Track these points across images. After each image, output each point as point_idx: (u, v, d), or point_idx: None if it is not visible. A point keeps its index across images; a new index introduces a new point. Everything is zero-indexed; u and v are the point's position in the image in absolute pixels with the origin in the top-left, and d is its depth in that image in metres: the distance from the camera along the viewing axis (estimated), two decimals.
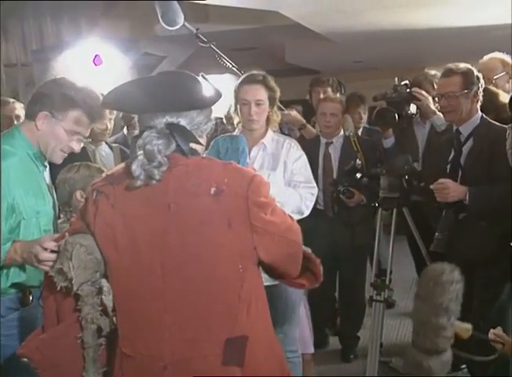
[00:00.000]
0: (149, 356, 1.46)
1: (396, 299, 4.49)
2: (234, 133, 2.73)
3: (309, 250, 1.64)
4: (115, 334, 1.55)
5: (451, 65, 2.83)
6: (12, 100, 3.38)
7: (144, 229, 1.46)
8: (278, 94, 2.78)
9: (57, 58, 4.56)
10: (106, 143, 3.12)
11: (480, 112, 2.81)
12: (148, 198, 1.47)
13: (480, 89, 2.79)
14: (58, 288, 1.48)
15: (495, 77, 3.26)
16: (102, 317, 1.51)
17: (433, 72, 3.78)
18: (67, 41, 5.17)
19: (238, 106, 2.74)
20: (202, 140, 1.57)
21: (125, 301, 1.49)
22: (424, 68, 4.44)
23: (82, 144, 2.13)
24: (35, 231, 2.01)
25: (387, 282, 3.37)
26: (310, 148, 3.87)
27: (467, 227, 2.81)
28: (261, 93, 2.70)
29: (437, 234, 2.88)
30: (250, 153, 2.72)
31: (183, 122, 1.49)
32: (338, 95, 4.09)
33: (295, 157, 2.76)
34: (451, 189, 2.70)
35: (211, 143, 2.70)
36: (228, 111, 3.73)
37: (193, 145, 1.52)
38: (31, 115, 2.03)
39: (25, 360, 1.52)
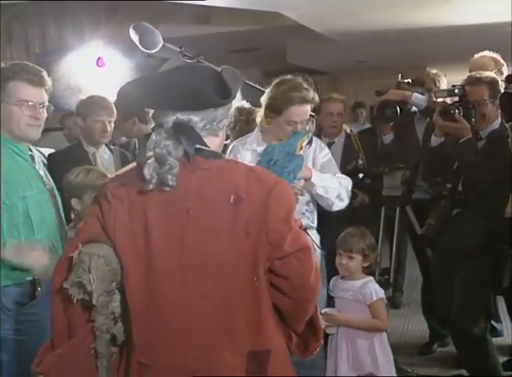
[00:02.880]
0: (172, 365, 1.42)
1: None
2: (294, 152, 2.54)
3: (322, 325, 1.58)
4: (124, 343, 1.51)
5: (476, 74, 2.90)
6: None
7: (161, 234, 1.42)
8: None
9: (60, 61, 4.58)
10: (106, 145, 3.12)
11: (500, 118, 2.88)
12: (167, 201, 1.43)
13: None
14: (75, 301, 1.43)
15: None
16: (116, 326, 1.47)
17: (434, 71, 3.80)
18: (70, 44, 5.19)
19: (279, 119, 2.59)
20: (219, 139, 1.52)
21: (143, 311, 1.44)
22: (425, 67, 4.44)
23: (45, 109, 2.19)
24: (21, 218, 2.06)
25: (391, 280, 3.39)
26: None
27: (459, 219, 2.87)
28: (308, 113, 2.61)
29: (429, 219, 2.94)
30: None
31: (195, 118, 1.44)
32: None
33: (323, 154, 2.74)
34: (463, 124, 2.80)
35: (268, 146, 2.59)
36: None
37: (210, 141, 1.47)
38: None
39: (40, 376, 1.48)
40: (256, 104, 3.32)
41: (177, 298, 1.42)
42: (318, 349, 1.61)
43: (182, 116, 1.43)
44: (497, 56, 3.43)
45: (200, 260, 1.42)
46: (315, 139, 2.78)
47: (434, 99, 3.35)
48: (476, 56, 3.44)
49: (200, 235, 1.42)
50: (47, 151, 2.80)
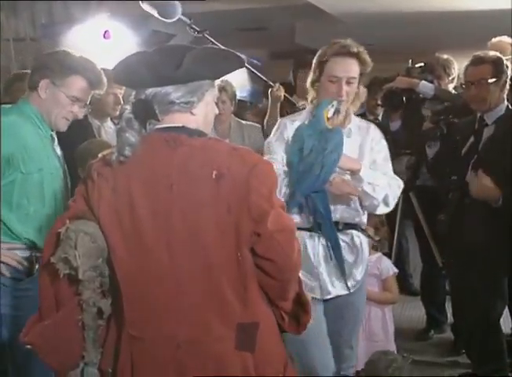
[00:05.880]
0: (162, 337, 1.46)
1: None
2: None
3: (309, 297, 1.62)
4: (112, 316, 1.55)
5: (480, 53, 2.82)
6: None
7: (147, 211, 1.45)
8: (369, 70, 2.31)
9: (66, 33, 4.54)
10: (111, 120, 3.09)
11: (506, 102, 2.82)
12: (150, 178, 1.46)
13: (509, 78, 2.80)
14: (61, 276, 1.48)
15: (505, 58, 3.27)
16: (103, 300, 1.52)
17: (445, 56, 3.75)
18: (77, 17, 5.13)
19: (321, 80, 2.27)
20: (195, 117, 1.52)
21: (132, 285, 1.48)
22: (435, 52, 4.38)
23: (84, 111, 2.19)
24: (35, 189, 2.06)
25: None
26: None
27: (471, 213, 2.82)
28: (355, 70, 2.24)
29: (440, 215, 2.92)
30: None
31: (159, 96, 1.47)
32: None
33: (380, 147, 2.35)
34: (484, 185, 2.68)
35: (295, 133, 2.26)
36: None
37: (186, 119, 1.50)
38: (33, 86, 2.11)
39: (28, 346, 1.53)
40: None
41: (165, 272, 1.45)
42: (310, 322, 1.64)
43: (146, 93, 1.47)
44: None
45: (186, 235, 1.44)
46: (374, 128, 2.38)
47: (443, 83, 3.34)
48: (493, 39, 3.40)
49: (184, 210, 1.44)
50: None
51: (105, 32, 4.53)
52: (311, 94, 2.33)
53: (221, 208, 1.43)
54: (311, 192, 2.20)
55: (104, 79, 2.16)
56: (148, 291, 1.47)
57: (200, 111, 1.53)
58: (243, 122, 3.52)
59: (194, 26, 2.80)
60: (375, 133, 2.36)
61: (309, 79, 2.32)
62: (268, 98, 3.57)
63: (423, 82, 3.43)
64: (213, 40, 2.94)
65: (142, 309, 1.48)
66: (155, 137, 1.50)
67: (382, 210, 2.31)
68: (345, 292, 2.31)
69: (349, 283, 2.30)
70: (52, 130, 2.17)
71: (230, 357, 1.46)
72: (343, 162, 2.19)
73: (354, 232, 2.32)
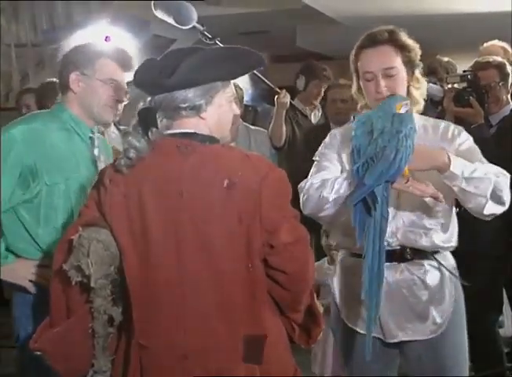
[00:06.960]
0: (169, 346, 1.45)
1: None
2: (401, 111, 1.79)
3: (321, 309, 1.58)
4: (123, 324, 1.54)
5: (483, 59, 2.92)
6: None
7: (157, 217, 1.44)
8: (417, 54, 1.92)
9: (68, 38, 4.54)
10: (115, 125, 3.09)
11: (511, 104, 2.89)
12: (161, 184, 1.45)
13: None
14: (73, 283, 1.48)
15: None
16: (113, 308, 1.52)
17: (445, 59, 3.75)
18: (78, 22, 5.14)
19: (361, 83, 1.91)
20: (205, 121, 1.50)
21: (142, 292, 1.47)
22: (436, 55, 4.38)
23: (127, 96, 2.04)
24: (62, 200, 1.94)
25: None
26: (319, 134, 3.85)
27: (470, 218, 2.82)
28: (391, 58, 1.85)
29: None
30: None
31: (166, 101, 1.46)
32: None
33: (459, 142, 1.88)
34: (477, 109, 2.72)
35: (359, 117, 1.85)
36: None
37: (196, 123, 1.49)
38: (64, 86, 2.01)
39: (38, 353, 1.53)
40: None
41: (174, 280, 1.44)
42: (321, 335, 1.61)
43: (153, 99, 1.49)
44: (506, 45, 3.43)
45: (195, 243, 1.43)
46: (445, 123, 1.96)
47: (445, 84, 3.32)
48: (485, 44, 3.45)
49: (194, 218, 1.43)
50: None
51: (106, 37, 4.53)
52: (360, 101, 1.98)
53: (232, 217, 1.41)
54: (382, 183, 1.69)
55: (133, 59, 2.04)
56: (156, 299, 1.46)
57: (210, 115, 1.51)
58: (251, 126, 3.54)
59: (206, 33, 2.80)
60: (448, 128, 1.92)
61: (353, 86, 1.98)
62: (268, 103, 3.58)
63: (430, 84, 3.42)
64: (223, 46, 2.94)
65: (151, 316, 1.47)
66: (166, 143, 1.48)
67: (494, 209, 1.78)
68: (423, 338, 1.87)
69: (427, 327, 1.87)
70: (92, 132, 2.05)
71: (237, 369, 1.45)
72: (424, 159, 1.72)
73: (426, 262, 1.88)
